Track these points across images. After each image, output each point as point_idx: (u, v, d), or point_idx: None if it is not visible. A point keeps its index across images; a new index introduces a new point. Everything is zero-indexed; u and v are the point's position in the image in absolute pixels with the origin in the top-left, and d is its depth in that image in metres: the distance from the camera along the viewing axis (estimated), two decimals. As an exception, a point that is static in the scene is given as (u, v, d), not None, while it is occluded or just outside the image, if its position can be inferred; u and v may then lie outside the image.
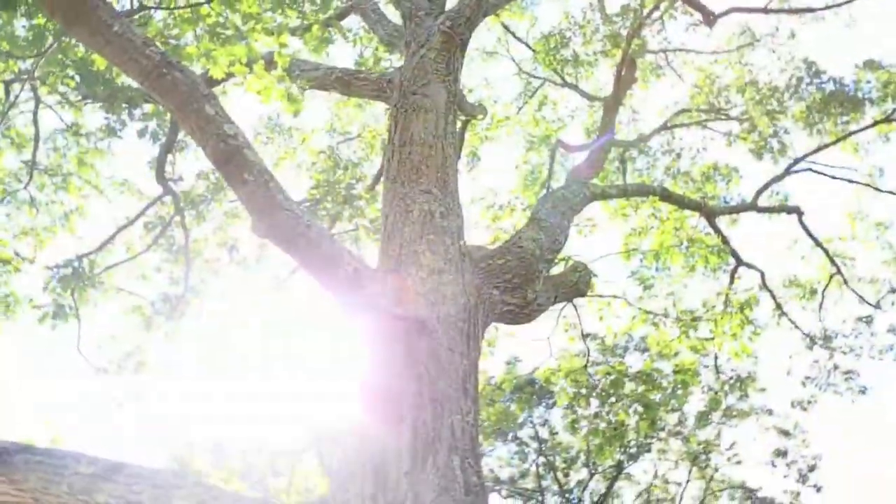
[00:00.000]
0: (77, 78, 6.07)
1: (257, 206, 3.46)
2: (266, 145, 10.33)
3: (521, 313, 4.80)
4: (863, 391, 11.36)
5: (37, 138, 7.93)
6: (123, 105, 6.25)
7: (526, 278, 4.80)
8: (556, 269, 6.40)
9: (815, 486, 18.10)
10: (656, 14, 9.77)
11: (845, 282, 9.95)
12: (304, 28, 5.52)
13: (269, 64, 5.28)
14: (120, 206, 9.12)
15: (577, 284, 5.61)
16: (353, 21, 8.98)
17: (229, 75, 5.22)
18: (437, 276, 4.04)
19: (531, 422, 18.32)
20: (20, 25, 5.53)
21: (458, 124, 8.85)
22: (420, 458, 3.11)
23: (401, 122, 4.80)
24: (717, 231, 9.12)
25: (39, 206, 8.74)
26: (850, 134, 9.41)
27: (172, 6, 4.98)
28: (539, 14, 10.98)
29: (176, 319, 9.18)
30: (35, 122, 7.75)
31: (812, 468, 17.90)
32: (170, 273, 9.34)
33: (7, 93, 7.22)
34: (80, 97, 6.86)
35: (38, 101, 7.52)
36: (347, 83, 6.03)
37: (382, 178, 5.02)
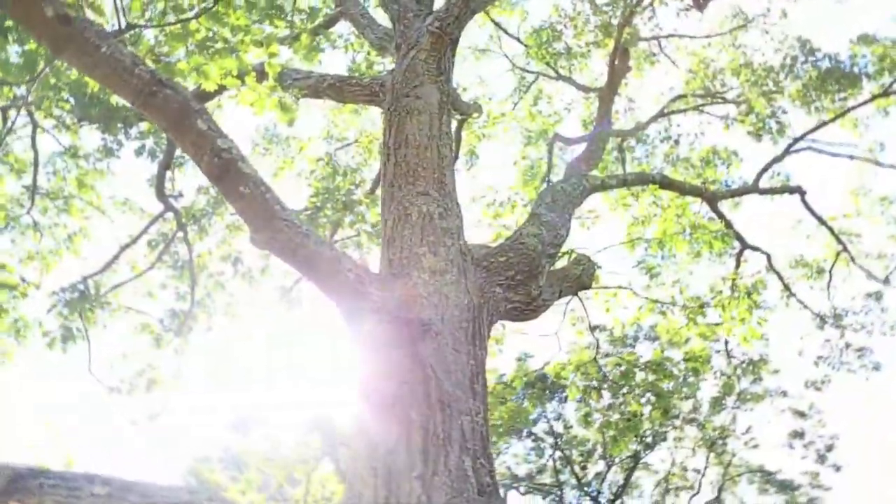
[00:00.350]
0: (72, 101, 6.10)
1: (255, 218, 3.47)
2: (264, 156, 10.36)
3: (527, 310, 4.79)
4: (876, 368, 11.30)
5: (36, 163, 7.97)
6: (119, 125, 6.28)
7: (529, 274, 4.79)
8: (561, 263, 6.39)
9: (834, 465, 18.03)
10: (646, 1, 9.73)
11: (852, 259, 9.89)
12: (293, 37, 5.52)
13: (261, 75, 5.29)
14: (122, 225, 9.15)
15: (580, 277, 5.60)
16: (345, 27, 9.00)
17: (222, 88, 5.23)
18: (439, 277, 4.03)
19: (545, 417, 18.31)
20: (13, 52, 5.56)
21: (454, 124, 8.87)
22: (431, 461, 3.11)
23: (395, 125, 4.80)
24: (720, 216, 9.08)
25: (43, 230, 8.79)
26: (849, 110, 9.35)
27: (162, 23, 4.99)
28: (529, 8, 10.98)
29: (185, 335, 9.21)
30: (34, 146, 7.79)
31: (830, 448, 17.83)
32: (176, 289, 9.36)
33: (4, 119, 7.26)
34: (75, 120, 6.88)
35: (35, 125, 7.56)
36: (340, 89, 6.03)
37: (380, 183, 5.02)
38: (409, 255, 4.16)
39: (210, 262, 9.50)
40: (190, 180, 9.21)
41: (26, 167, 8.12)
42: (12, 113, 7.22)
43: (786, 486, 18.93)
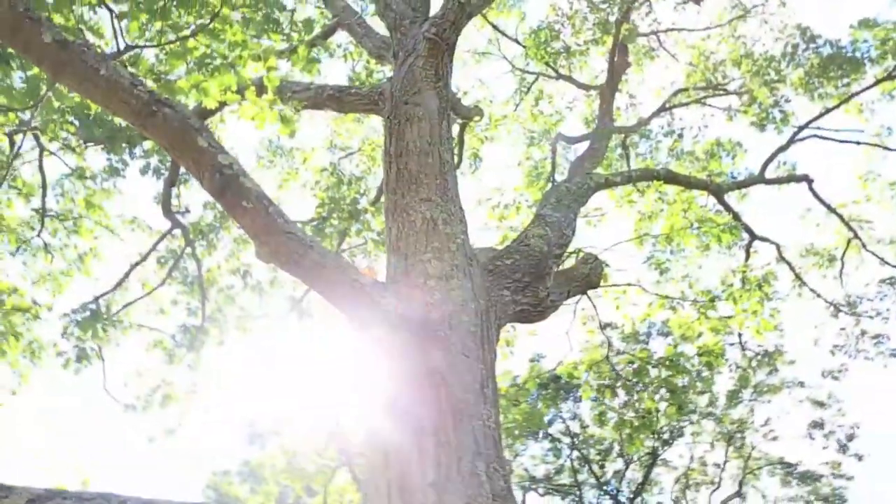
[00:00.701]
0: (76, 123, 6.16)
1: (259, 232, 3.49)
2: (268, 169, 10.41)
3: (535, 311, 4.78)
4: (894, 354, 11.16)
5: (44, 185, 8.06)
6: (123, 145, 6.33)
7: (536, 276, 4.78)
8: (569, 263, 6.37)
9: (856, 454, 17.83)
10: (643, -4, 9.72)
11: (864, 245, 9.79)
12: (290, 50, 5.55)
13: (261, 89, 5.32)
14: (132, 243, 9.22)
15: (589, 276, 5.57)
16: (344, 37, 9.04)
17: (223, 104, 5.27)
18: (445, 282, 4.03)
19: (560, 417, 18.24)
20: (17, 77, 5.62)
21: (456, 128, 8.88)
22: (444, 468, 3.10)
23: (395, 133, 4.81)
24: (727, 208, 9.01)
25: (54, 252, 8.87)
26: (853, 95, 9.26)
27: (162, 42, 5.04)
28: (526, 9, 10.98)
29: (197, 349, 9.25)
30: (41, 169, 7.88)
31: (851, 437, 17.63)
32: (187, 304, 9.41)
33: (11, 144, 7.34)
34: (80, 141, 6.95)
35: (41, 149, 7.64)
36: (340, 100, 6.05)
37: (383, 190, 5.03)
38: (415, 262, 4.17)
39: (219, 277, 9.55)
40: (196, 196, 9.27)
41: (35, 190, 8.22)
42: (19, 137, 7.31)
43: (808, 478, 18.74)
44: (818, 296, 10.17)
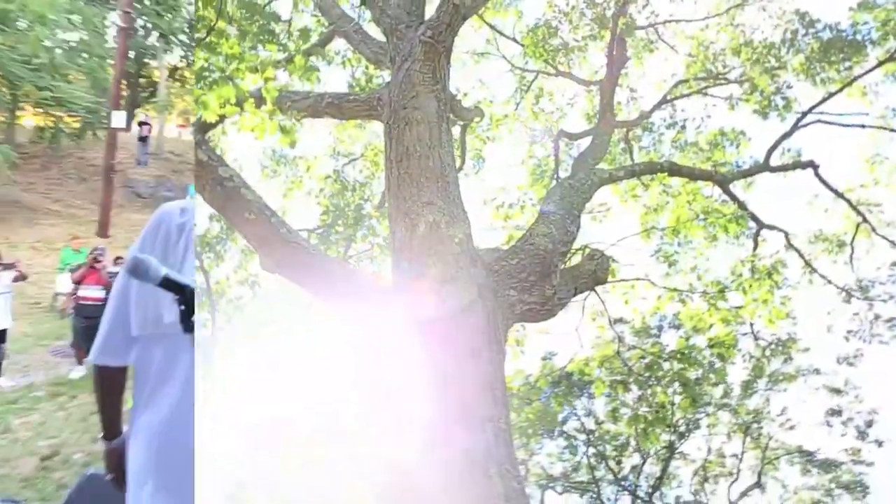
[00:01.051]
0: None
1: (262, 243, 3.50)
2: (272, 178, 10.45)
3: (542, 310, 4.78)
4: (909, 337, 11.06)
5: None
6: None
7: (542, 274, 4.78)
8: (576, 259, 6.36)
9: (876, 440, 17.65)
10: (640, -11, 9.68)
11: (873, 229, 9.70)
12: (287, 59, 5.57)
13: (260, 100, 5.34)
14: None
15: (595, 273, 5.57)
16: (342, 44, 9.05)
17: (222, 117, 5.28)
18: (450, 285, 4.04)
19: (575, 414, 18.17)
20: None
21: (457, 129, 8.87)
22: (456, 473, 3.09)
23: (395, 137, 4.82)
24: (733, 197, 8.96)
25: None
26: (855, 79, 9.17)
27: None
28: (524, 8, 10.94)
29: (208, 361, 9.28)
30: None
31: (870, 423, 17.46)
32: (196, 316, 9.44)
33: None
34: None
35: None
36: (339, 107, 6.07)
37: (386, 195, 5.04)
38: (420, 266, 4.18)
39: (228, 288, 9.60)
40: (201, 208, 9.31)
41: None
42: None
43: (827, 465, 18.56)
44: (829, 282, 10.08)
